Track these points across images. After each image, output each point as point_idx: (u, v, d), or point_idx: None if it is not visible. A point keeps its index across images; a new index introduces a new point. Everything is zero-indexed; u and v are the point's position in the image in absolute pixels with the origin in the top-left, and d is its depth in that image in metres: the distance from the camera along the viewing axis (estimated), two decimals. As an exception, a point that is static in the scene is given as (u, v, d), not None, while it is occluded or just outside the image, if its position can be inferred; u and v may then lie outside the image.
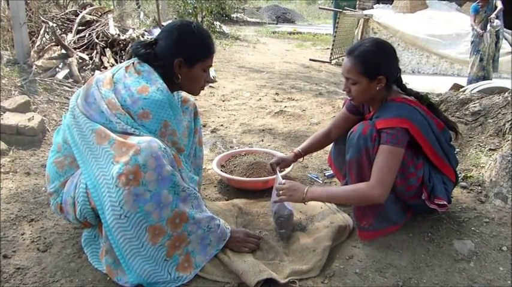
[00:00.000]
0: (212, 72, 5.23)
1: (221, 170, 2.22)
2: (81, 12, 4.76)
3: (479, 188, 2.12)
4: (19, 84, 3.26)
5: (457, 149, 2.44)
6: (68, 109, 1.57)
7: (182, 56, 1.51)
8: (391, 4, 7.38)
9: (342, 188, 1.75)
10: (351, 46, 1.67)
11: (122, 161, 1.32)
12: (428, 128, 1.60)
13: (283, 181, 1.74)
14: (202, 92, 1.71)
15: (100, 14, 5.08)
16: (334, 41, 7.32)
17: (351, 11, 7.58)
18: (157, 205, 1.35)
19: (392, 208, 1.69)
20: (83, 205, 1.43)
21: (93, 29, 4.53)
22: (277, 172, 1.91)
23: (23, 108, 2.87)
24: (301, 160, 2.04)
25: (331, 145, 2.06)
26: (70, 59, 3.86)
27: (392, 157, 1.53)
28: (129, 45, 4.46)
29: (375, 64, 1.58)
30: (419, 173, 1.62)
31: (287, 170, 2.17)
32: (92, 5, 5.23)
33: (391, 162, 1.53)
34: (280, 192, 1.68)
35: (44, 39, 4.07)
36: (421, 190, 1.65)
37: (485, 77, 5.58)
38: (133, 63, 1.54)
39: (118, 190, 1.31)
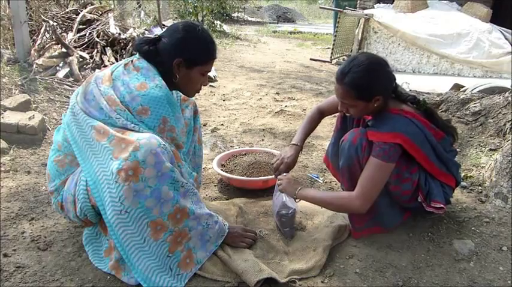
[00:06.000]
0: (213, 71, 5.22)
1: (221, 170, 2.22)
2: (81, 11, 4.75)
3: (480, 188, 2.12)
4: (19, 83, 3.27)
5: (458, 149, 2.44)
6: (68, 108, 1.57)
7: (182, 57, 1.52)
8: (391, 4, 7.37)
9: (328, 194, 1.80)
10: (339, 70, 1.56)
11: (122, 157, 1.32)
12: (424, 140, 1.58)
13: (284, 174, 1.81)
14: (202, 92, 1.73)
15: (101, 13, 5.07)
16: (334, 40, 7.31)
17: (351, 10, 7.57)
18: (158, 200, 1.36)
19: (387, 212, 1.70)
20: (83, 202, 1.43)
21: (93, 28, 4.53)
22: None
23: (23, 107, 2.87)
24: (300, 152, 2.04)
25: (327, 145, 2.06)
26: (70, 58, 3.86)
27: (381, 172, 1.53)
28: (130, 44, 4.46)
29: (368, 89, 1.53)
30: (414, 177, 1.62)
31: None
32: (92, 4, 5.22)
33: (378, 176, 1.53)
34: (278, 182, 1.76)
35: (44, 38, 4.07)
36: (417, 193, 1.65)
37: None
38: (132, 60, 1.54)
39: (118, 185, 1.31)
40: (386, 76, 1.58)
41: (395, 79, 1.62)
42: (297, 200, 1.71)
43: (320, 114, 1.99)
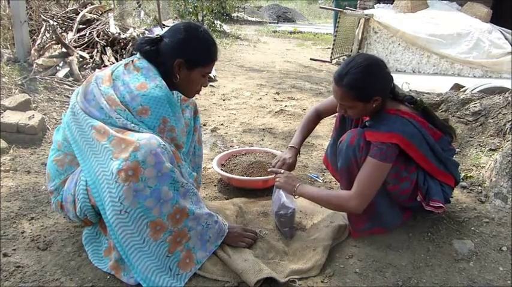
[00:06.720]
0: (212, 71, 5.22)
1: (221, 169, 2.22)
2: (81, 10, 4.75)
3: (479, 188, 2.12)
4: (19, 82, 3.27)
5: (457, 149, 2.44)
6: (68, 107, 1.57)
7: (183, 58, 1.52)
8: (391, 4, 7.37)
9: (326, 192, 1.83)
10: (337, 72, 1.56)
11: (122, 157, 1.32)
12: (421, 140, 1.58)
13: (282, 170, 1.81)
14: (202, 92, 1.72)
15: (101, 12, 5.07)
16: (334, 40, 7.31)
17: (351, 10, 7.57)
18: (158, 200, 1.36)
19: (387, 212, 1.70)
20: (83, 202, 1.43)
21: (93, 28, 4.53)
22: None
23: (23, 106, 2.87)
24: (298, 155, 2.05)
25: (327, 145, 2.06)
26: (70, 58, 3.86)
27: (377, 172, 1.53)
28: (130, 44, 4.46)
29: (367, 89, 1.53)
30: (412, 177, 1.63)
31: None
32: (92, 4, 5.21)
33: (375, 176, 1.54)
34: (276, 179, 1.75)
35: (44, 37, 4.07)
36: (416, 192, 1.65)
37: None
38: (132, 60, 1.54)
39: (118, 185, 1.31)
40: (385, 77, 1.58)
41: (393, 80, 1.62)
42: (296, 197, 1.71)
43: (318, 116, 1.99)
